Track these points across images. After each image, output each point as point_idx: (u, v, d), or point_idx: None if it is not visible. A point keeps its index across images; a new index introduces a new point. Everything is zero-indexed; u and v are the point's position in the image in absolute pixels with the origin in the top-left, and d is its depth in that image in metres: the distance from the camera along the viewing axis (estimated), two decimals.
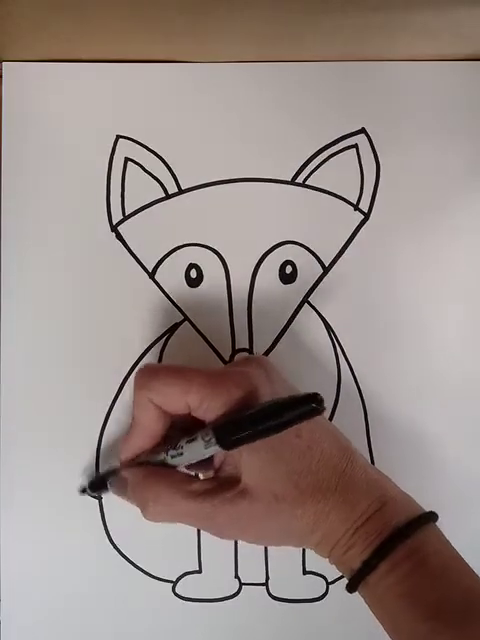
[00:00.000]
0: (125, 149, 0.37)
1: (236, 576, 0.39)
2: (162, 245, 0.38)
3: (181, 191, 0.38)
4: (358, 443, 0.37)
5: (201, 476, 0.33)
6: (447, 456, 0.38)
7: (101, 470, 0.37)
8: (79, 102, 0.37)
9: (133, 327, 0.38)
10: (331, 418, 0.38)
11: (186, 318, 0.38)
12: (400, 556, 0.29)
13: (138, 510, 0.38)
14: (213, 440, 0.29)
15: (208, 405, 0.30)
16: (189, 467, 0.32)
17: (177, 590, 0.38)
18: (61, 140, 0.37)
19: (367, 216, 0.38)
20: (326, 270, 0.38)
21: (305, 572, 0.38)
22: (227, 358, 0.38)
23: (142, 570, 0.38)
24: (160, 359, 0.38)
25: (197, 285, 0.38)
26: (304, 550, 0.38)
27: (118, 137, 0.37)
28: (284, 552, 0.38)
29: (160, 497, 0.31)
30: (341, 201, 0.38)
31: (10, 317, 0.38)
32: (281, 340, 0.38)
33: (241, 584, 0.39)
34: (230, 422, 0.29)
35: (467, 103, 0.38)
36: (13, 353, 0.38)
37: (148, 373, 0.32)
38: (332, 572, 0.38)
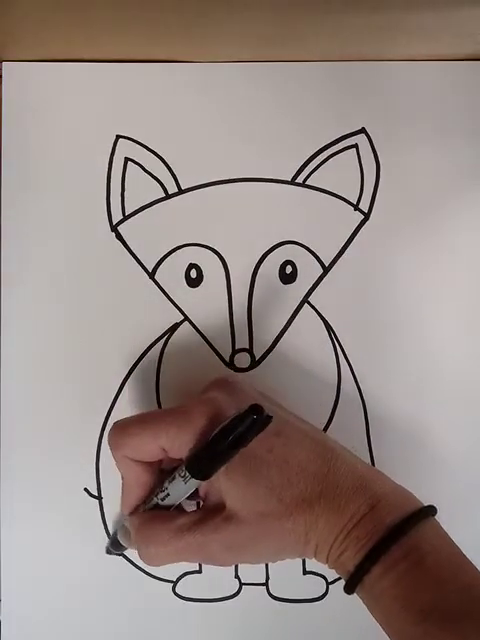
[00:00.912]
0: (125, 149, 0.37)
1: (236, 576, 0.39)
2: (162, 245, 0.38)
3: (181, 191, 0.38)
4: (358, 443, 0.38)
5: (187, 509, 0.33)
6: (447, 456, 0.38)
7: (112, 529, 0.38)
8: (79, 102, 0.37)
9: (133, 327, 0.38)
10: (331, 418, 0.38)
11: (186, 318, 0.38)
12: (395, 557, 0.29)
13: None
14: (188, 475, 0.30)
15: (179, 443, 0.31)
16: (184, 504, 0.33)
17: (177, 590, 0.38)
18: (61, 140, 0.37)
19: (367, 216, 0.38)
20: (326, 270, 0.38)
21: (305, 572, 0.38)
22: (227, 358, 0.38)
23: (142, 570, 0.38)
24: (160, 359, 0.38)
25: (197, 285, 0.38)
26: None
27: (118, 137, 0.37)
28: None
29: (152, 540, 0.32)
30: (341, 201, 0.38)
31: (10, 317, 0.38)
32: (281, 340, 0.38)
33: (241, 584, 0.39)
34: (196, 453, 0.30)
35: (467, 103, 0.38)
36: (13, 353, 0.38)
37: (117, 432, 0.32)
38: (332, 572, 0.38)
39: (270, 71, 0.37)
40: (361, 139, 0.38)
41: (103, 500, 0.38)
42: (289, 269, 0.38)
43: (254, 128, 0.38)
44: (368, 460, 0.38)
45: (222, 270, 0.38)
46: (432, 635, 0.28)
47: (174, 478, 0.32)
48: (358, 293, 0.38)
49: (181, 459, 0.32)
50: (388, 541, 0.29)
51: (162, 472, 0.34)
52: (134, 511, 0.34)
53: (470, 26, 0.34)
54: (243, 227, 0.38)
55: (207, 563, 0.33)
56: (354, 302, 0.38)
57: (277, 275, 0.38)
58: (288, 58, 0.37)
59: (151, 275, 0.38)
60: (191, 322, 0.38)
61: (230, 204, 0.38)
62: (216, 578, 0.38)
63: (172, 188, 0.38)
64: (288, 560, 0.36)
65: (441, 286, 0.38)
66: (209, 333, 0.38)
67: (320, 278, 0.38)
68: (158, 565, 0.32)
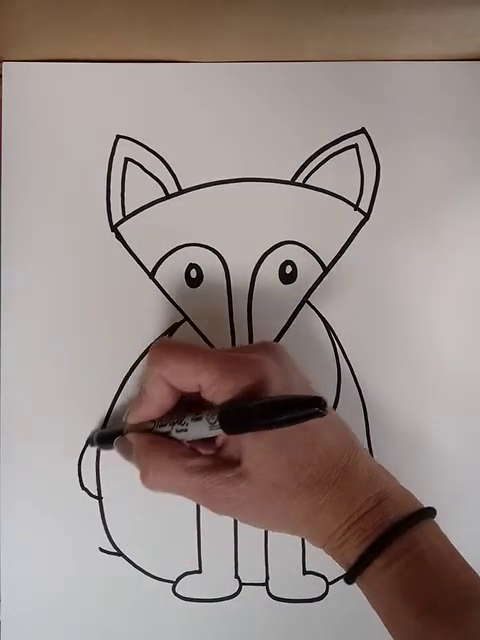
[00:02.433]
0: (125, 149, 0.37)
1: (236, 576, 0.39)
2: (162, 245, 0.38)
3: (181, 191, 0.38)
4: None
5: (202, 452, 0.33)
6: (447, 455, 0.38)
7: (109, 427, 0.37)
8: (79, 102, 0.37)
9: (133, 327, 0.38)
10: None
11: (186, 318, 0.38)
12: (396, 552, 0.29)
13: (138, 511, 0.38)
14: (217, 424, 0.30)
15: (217, 389, 0.31)
16: (192, 441, 0.33)
17: (177, 590, 0.38)
18: (61, 140, 0.37)
19: (367, 216, 0.38)
20: (326, 270, 0.38)
21: (305, 572, 0.38)
22: None
23: (142, 570, 0.38)
24: None
25: (197, 285, 0.38)
26: (304, 550, 0.38)
27: (118, 137, 0.37)
28: (284, 552, 0.38)
29: (161, 467, 0.31)
30: (341, 201, 0.38)
31: (10, 317, 0.38)
32: (281, 340, 0.38)
33: (241, 584, 0.39)
34: (235, 409, 0.30)
35: (467, 103, 0.38)
36: (13, 353, 0.38)
37: (163, 350, 0.32)
38: (332, 572, 0.38)
39: (270, 71, 0.37)
40: (361, 139, 0.38)
41: (103, 500, 0.38)
42: (289, 269, 0.38)
43: (254, 128, 0.38)
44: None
45: (222, 270, 0.38)
46: (433, 629, 0.28)
47: (200, 419, 0.31)
48: (358, 293, 0.38)
49: (210, 403, 0.31)
50: (391, 535, 0.30)
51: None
52: (137, 428, 0.34)
53: (470, 26, 0.34)
54: (243, 227, 0.38)
55: (203, 505, 0.32)
56: (354, 302, 0.38)
57: (277, 275, 0.38)
58: (288, 58, 0.37)
59: (151, 275, 0.38)
60: (191, 322, 0.38)
61: (230, 204, 0.38)
62: (216, 578, 0.38)
63: (172, 188, 0.38)
64: (288, 560, 0.36)
65: (441, 285, 0.38)
66: (209, 333, 0.38)
67: (320, 278, 0.38)
68: (156, 491, 0.32)
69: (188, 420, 0.32)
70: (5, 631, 0.38)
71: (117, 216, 0.38)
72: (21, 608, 0.38)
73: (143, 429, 0.34)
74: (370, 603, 0.31)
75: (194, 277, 0.38)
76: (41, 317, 0.38)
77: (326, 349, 0.38)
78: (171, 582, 0.38)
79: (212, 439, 0.32)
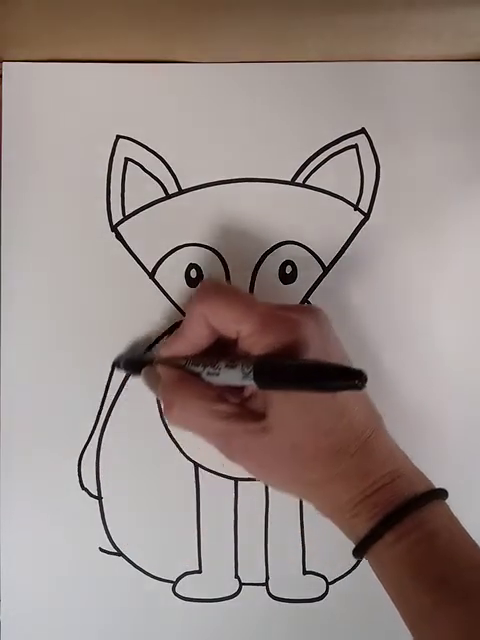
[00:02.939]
0: (125, 149, 0.37)
1: (236, 576, 0.39)
2: (162, 245, 0.38)
3: (181, 191, 0.38)
4: None
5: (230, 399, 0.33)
6: (448, 455, 0.38)
7: (139, 354, 0.37)
8: (79, 102, 0.37)
9: (133, 327, 0.38)
10: None
11: None
12: (407, 528, 0.29)
13: (138, 511, 0.38)
14: (251, 375, 0.30)
15: (257, 340, 0.31)
16: (220, 387, 0.32)
17: (177, 590, 0.38)
18: (61, 140, 0.37)
19: (367, 216, 0.38)
20: (326, 270, 0.38)
21: (305, 572, 0.39)
22: None
23: (142, 570, 0.38)
24: None
25: (197, 285, 0.38)
26: (304, 550, 0.38)
27: (118, 137, 0.37)
28: (284, 552, 0.38)
29: (187, 405, 0.32)
30: (341, 201, 0.38)
31: (10, 317, 0.38)
32: None
33: (241, 584, 0.39)
34: (273, 365, 0.30)
35: (467, 103, 0.38)
36: (13, 353, 0.38)
37: (212, 290, 0.32)
38: (332, 572, 0.38)
39: (270, 71, 0.37)
40: (361, 139, 0.38)
41: (103, 500, 0.38)
42: (289, 269, 0.38)
43: (254, 128, 0.38)
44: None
45: (222, 270, 0.38)
46: (442, 607, 0.28)
47: (234, 367, 0.31)
48: (358, 293, 0.38)
49: (245, 353, 0.31)
50: (403, 511, 0.30)
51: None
52: (168, 362, 0.34)
53: (470, 26, 0.34)
54: (243, 227, 0.38)
55: (219, 449, 0.33)
56: (354, 302, 0.38)
57: (277, 275, 0.38)
58: (288, 58, 0.37)
59: (151, 275, 0.38)
60: None
61: (230, 204, 0.38)
62: (216, 578, 0.38)
63: (172, 188, 0.38)
64: (288, 560, 0.36)
65: (441, 286, 0.38)
66: None
67: (320, 278, 0.38)
68: (177, 427, 0.33)
69: (222, 365, 0.31)
70: (5, 631, 0.38)
71: (117, 216, 0.38)
72: (21, 608, 0.38)
73: (174, 365, 0.33)
74: (379, 579, 0.31)
75: (194, 277, 0.38)
76: (41, 317, 0.38)
77: None
78: (171, 582, 0.38)
79: (241, 389, 0.32)
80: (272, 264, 0.38)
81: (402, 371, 0.38)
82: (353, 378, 0.27)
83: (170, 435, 0.38)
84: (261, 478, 0.33)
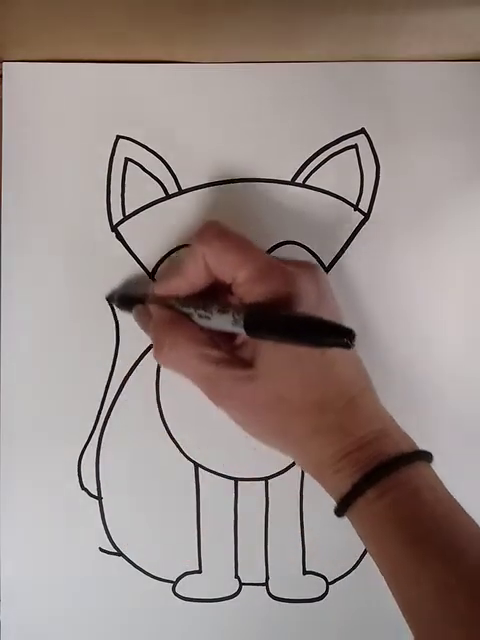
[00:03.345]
0: (125, 149, 0.37)
1: (236, 576, 0.39)
2: (162, 245, 0.38)
3: (181, 191, 0.38)
4: None
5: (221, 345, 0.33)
6: (448, 455, 0.38)
7: (133, 290, 0.37)
8: (79, 102, 0.37)
9: (133, 327, 0.38)
10: None
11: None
12: (391, 484, 0.29)
13: (138, 511, 0.38)
14: (242, 322, 0.30)
15: (251, 288, 0.31)
16: (212, 331, 0.33)
17: (177, 590, 0.38)
18: (61, 140, 0.37)
19: (367, 216, 0.38)
20: (326, 270, 0.38)
21: (305, 572, 0.39)
22: None
23: (142, 570, 0.38)
24: None
25: None
26: (304, 550, 0.38)
27: (118, 137, 0.37)
28: (284, 552, 0.38)
29: (177, 347, 0.32)
30: (341, 201, 0.38)
31: (10, 317, 0.38)
32: None
33: (241, 584, 0.39)
34: (264, 314, 0.30)
35: (467, 103, 0.38)
36: (13, 353, 0.38)
37: (215, 231, 0.32)
38: (332, 572, 0.38)
39: (270, 71, 0.37)
40: (361, 139, 0.38)
41: (103, 500, 0.38)
42: None
43: (254, 128, 0.38)
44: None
45: None
46: (422, 560, 0.28)
47: (226, 312, 0.31)
48: (358, 293, 0.38)
49: (238, 299, 0.31)
50: (387, 468, 0.30)
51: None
52: (160, 301, 0.34)
53: (470, 26, 0.34)
54: (243, 227, 0.37)
55: (205, 393, 0.33)
56: (354, 302, 0.38)
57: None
58: (288, 58, 0.37)
59: (151, 275, 0.38)
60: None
61: (230, 204, 0.38)
62: (216, 578, 0.38)
63: (172, 188, 0.38)
64: (288, 560, 0.36)
65: (441, 286, 0.38)
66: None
67: None
68: (166, 367, 0.33)
69: (214, 310, 0.31)
70: (5, 631, 0.38)
71: (117, 216, 0.38)
72: (21, 608, 0.38)
73: (165, 305, 0.33)
74: (360, 536, 0.31)
75: None
76: (41, 317, 0.38)
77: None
78: (171, 582, 0.38)
79: (233, 336, 0.32)
80: None
81: (402, 370, 0.38)
82: (342, 335, 0.27)
83: (170, 435, 0.38)
84: (244, 427, 0.33)
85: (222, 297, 0.33)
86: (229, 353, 0.32)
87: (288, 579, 0.39)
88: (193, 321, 0.32)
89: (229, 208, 0.38)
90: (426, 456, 0.31)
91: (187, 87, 0.37)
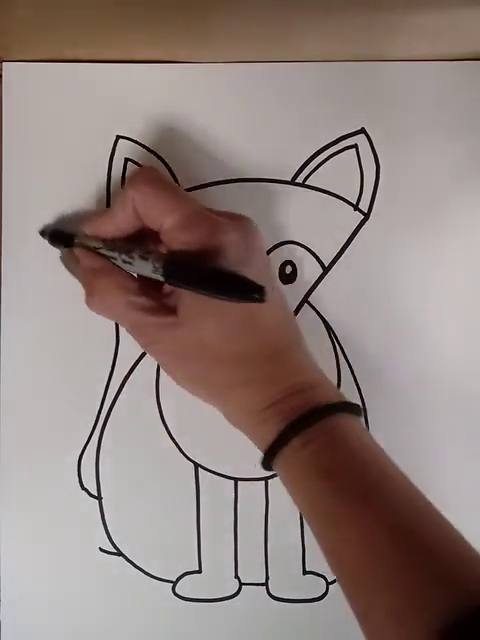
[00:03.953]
0: (125, 149, 0.37)
1: (236, 576, 0.39)
2: None
3: None
4: None
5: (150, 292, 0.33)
6: (448, 455, 0.38)
7: (66, 226, 0.37)
8: (79, 102, 0.37)
9: None
10: None
11: None
12: (316, 433, 0.30)
13: (138, 511, 0.38)
14: (160, 270, 0.30)
15: (175, 236, 0.31)
16: (145, 277, 0.33)
17: (177, 590, 0.38)
18: (61, 140, 0.37)
19: (367, 216, 0.38)
20: (326, 270, 0.38)
21: (305, 572, 0.39)
22: None
23: (142, 570, 0.38)
24: None
25: None
26: (304, 550, 0.38)
27: (118, 137, 0.37)
28: (284, 552, 0.38)
29: (106, 295, 0.33)
30: (341, 201, 0.38)
31: (10, 317, 0.38)
32: None
33: (241, 584, 0.39)
34: (182, 263, 0.30)
35: (467, 103, 0.38)
36: (12, 352, 0.38)
37: (145, 177, 0.32)
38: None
39: (270, 71, 0.37)
40: (361, 139, 0.38)
41: (103, 500, 0.38)
42: (289, 269, 0.38)
43: (254, 128, 0.38)
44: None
45: None
46: (347, 504, 0.28)
47: (146, 259, 0.31)
48: (358, 293, 0.38)
49: (165, 246, 0.32)
50: (312, 417, 0.30)
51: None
52: (88, 241, 0.34)
53: (470, 26, 0.34)
54: None
55: (134, 338, 0.33)
56: (354, 302, 0.38)
57: (277, 275, 0.38)
58: (288, 58, 0.37)
59: None
60: None
61: (230, 204, 0.38)
62: (216, 578, 0.38)
63: None
64: (288, 560, 0.36)
65: (441, 286, 0.38)
66: None
67: (320, 278, 0.38)
68: (95, 311, 0.33)
69: (135, 255, 0.32)
70: (5, 631, 0.38)
71: None
72: (21, 608, 0.38)
73: (90, 247, 0.34)
74: (286, 486, 0.31)
75: None
76: (41, 317, 0.38)
77: (326, 349, 0.38)
78: (171, 582, 0.38)
79: (162, 283, 0.33)
80: (272, 264, 0.38)
81: (401, 370, 0.38)
82: (253, 291, 0.28)
83: (170, 435, 0.38)
84: (171, 376, 0.34)
85: (148, 243, 0.33)
86: (157, 300, 0.32)
87: (288, 579, 0.39)
88: (119, 267, 0.33)
89: (229, 208, 0.37)
90: (353, 408, 0.32)
91: (187, 87, 0.37)
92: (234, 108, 0.37)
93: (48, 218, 0.37)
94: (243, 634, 0.39)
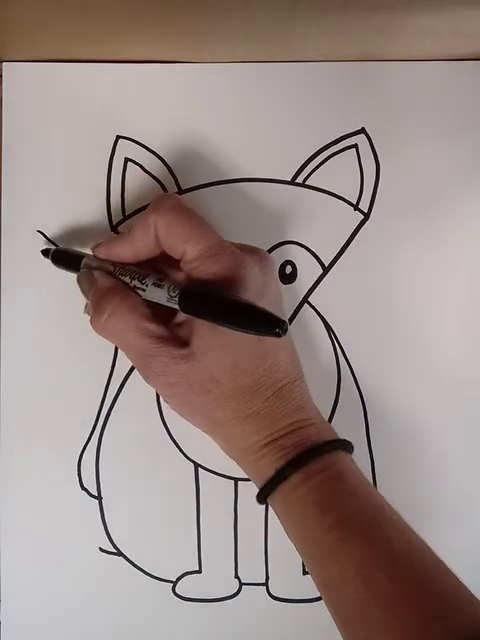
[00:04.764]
0: (125, 149, 0.37)
1: (236, 576, 0.39)
2: None
3: (181, 191, 0.38)
4: (358, 443, 0.38)
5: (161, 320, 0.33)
6: (447, 455, 0.38)
7: (70, 248, 0.36)
8: (79, 102, 0.37)
9: None
10: (331, 418, 0.38)
11: None
12: (314, 469, 0.30)
13: (138, 511, 0.38)
14: (176, 299, 0.30)
15: (198, 266, 0.31)
16: (155, 304, 0.32)
17: (177, 590, 0.38)
18: (61, 140, 0.37)
19: (367, 216, 0.38)
20: (326, 270, 0.38)
21: (305, 572, 0.39)
22: None
23: (142, 570, 0.38)
24: None
25: None
26: None
27: (118, 137, 0.37)
28: (284, 552, 0.38)
29: (116, 317, 0.32)
30: (341, 201, 0.38)
31: (10, 317, 0.38)
32: None
33: (241, 584, 0.39)
34: (198, 292, 0.30)
35: (467, 103, 0.38)
36: (13, 353, 0.38)
37: (171, 205, 0.32)
38: None
39: (270, 71, 0.37)
40: (361, 139, 0.38)
41: (103, 500, 0.38)
42: (289, 269, 0.38)
43: (254, 128, 0.38)
44: (368, 459, 0.38)
45: None
46: (345, 541, 0.29)
47: (161, 286, 0.31)
48: (358, 293, 0.38)
49: (183, 276, 0.32)
50: (310, 454, 0.30)
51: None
52: (99, 265, 0.33)
53: (470, 26, 0.34)
54: (243, 227, 0.38)
55: (137, 368, 0.33)
56: (354, 302, 0.38)
57: (277, 275, 0.38)
58: (288, 58, 0.37)
59: None
60: None
61: (230, 204, 0.38)
62: (216, 578, 0.38)
63: (172, 188, 0.38)
64: (288, 560, 0.36)
65: (441, 286, 0.38)
66: None
67: (320, 278, 0.38)
68: (102, 335, 0.33)
69: (149, 282, 0.32)
70: (5, 631, 0.38)
71: (117, 216, 0.38)
72: (21, 608, 0.38)
73: (104, 269, 0.33)
74: (282, 522, 0.32)
75: None
76: (42, 317, 0.38)
77: (326, 349, 0.38)
78: (171, 582, 0.38)
79: (173, 312, 0.32)
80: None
81: (401, 370, 0.38)
82: (275, 326, 0.28)
83: (170, 435, 0.38)
84: (172, 406, 0.33)
85: (161, 271, 0.33)
86: (168, 330, 0.32)
87: (288, 579, 0.39)
88: (134, 291, 0.32)
89: (229, 208, 0.38)
90: (347, 445, 0.32)
91: (187, 87, 0.37)
92: (234, 108, 0.37)
93: (48, 217, 0.37)
94: (243, 634, 0.39)
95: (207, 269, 0.30)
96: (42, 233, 0.37)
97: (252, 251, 0.33)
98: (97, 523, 0.38)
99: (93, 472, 0.38)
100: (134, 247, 0.33)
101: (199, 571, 0.38)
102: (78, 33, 0.35)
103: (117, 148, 0.37)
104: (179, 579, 0.38)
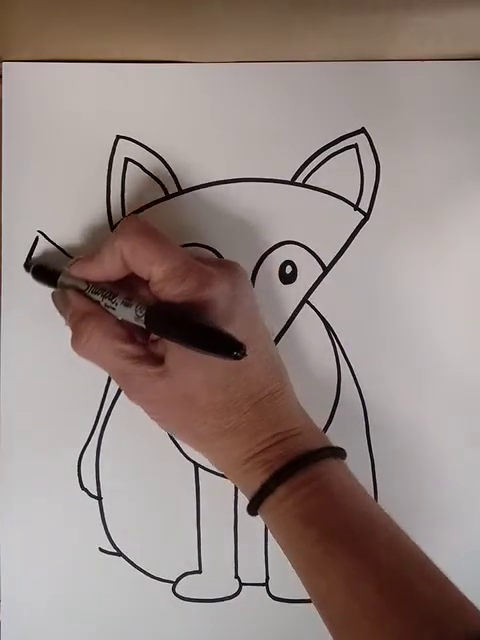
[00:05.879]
0: (125, 149, 0.37)
1: (236, 576, 0.39)
2: None
3: (181, 191, 0.38)
4: (358, 443, 0.38)
5: (137, 339, 0.33)
6: (447, 455, 0.38)
7: (50, 262, 0.37)
8: (79, 102, 0.37)
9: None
10: (331, 418, 0.38)
11: None
12: (299, 482, 0.30)
13: (138, 511, 0.38)
14: (143, 318, 0.30)
15: (163, 287, 0.31)
16: (132, 324, 0.33)
17: (177, 590, 0.38)
18: (61, 140, 0.37)
19: (367, 216, 0.38)
20: (326, 270, 0.38)
21: None
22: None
23: (142, 570, 0.38)
24: None
25: None
26: None
27: (118, 137, 0.37)
28: None
29: (93, 340, 0.32)
30: (341, 201, 0.38)
31: (10, 318, 0.38)
32: (281, 340, 0.38)
33: (241, 584, 0.39)
34: (165, 313, 0.30)
35: (467, 103, 0.38)
36: (13, 354, 0.38)
37: (134, 227, 0.32)
38: None
39: (270, 71, 0.37)
40: (361, 139, 0.38)
41: (103, 500, 0.38)
42: (289, 269, 0.38)
43: (254, 128, 0.38)
44: (368, 460, 0.38)
45: None
46: (332, 554, 0.29)
47: (129, 306, 0.32)
48: (358, 293, 0.38)
49: (154, 296, 0.32)
50: (295, 466, 0.30)
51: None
52: (74, 281, 0.34)
53: (470, 26, 0.34)
54: (243, 227, 0.38)
55: (118, 385, 0.34)
56: (354, 302, 0.38)
57: (277, 275, 0.38)
58: (288, 58, 0.37)
59: None
60: None
61: (230, 204, 0.38)
62: (216, 578, 0.38)
63: (172, 188, 0.38)
64: (288, 560, 0.35)
65: (441, 286, 0.38)
66: None
67: (320, 278, 0.38)
68: (81, 356, 0.33)
69: (118, 301, 0.32)
70: (5, 631, 0.38)
71: (117, 216, 0.38)
72: (21, 608, 0.38)
73: (77, 287, 0.34)
74: (273, 534, 0.32)
75: None
76: (41, 317, 0.38)
77: (326, 349, 0.38)
78: (171, 582, 0.38)
79: (147, 331, 0.32)
80: (272, 264, 0.38)
81: (402, 370, 0.38)
82: (233, 348, 0.28)
83: (170, 435, 0.38)
84: (158, 423, 0.34)
85: (133, 290, 0.33)
86: (145, 348, 0.32)
87: (288, 579, 0.38)
88: (108, 312, 0.33)
89: (229, 208, 0.38)
90: (337, 452, 0.32)
91: (187, 87, 0.37)
92: (234, 108, 0.37)
93: (48, 217, 0.37)
94: (243, 634, 0.39)
95: (172, 290, 0.30)
96: (42, 233, 0.37)
97: (221, 266, 0.33)
98: (97, 523, 0.38)
99: (93, 472, 0.38)
100: (103, 268, 0.33)
101: (199, 571, 0.38)
102: (78, 33, 0.35)
103: (117, 148, 0.37)
104: (179, 579, 0.38)
